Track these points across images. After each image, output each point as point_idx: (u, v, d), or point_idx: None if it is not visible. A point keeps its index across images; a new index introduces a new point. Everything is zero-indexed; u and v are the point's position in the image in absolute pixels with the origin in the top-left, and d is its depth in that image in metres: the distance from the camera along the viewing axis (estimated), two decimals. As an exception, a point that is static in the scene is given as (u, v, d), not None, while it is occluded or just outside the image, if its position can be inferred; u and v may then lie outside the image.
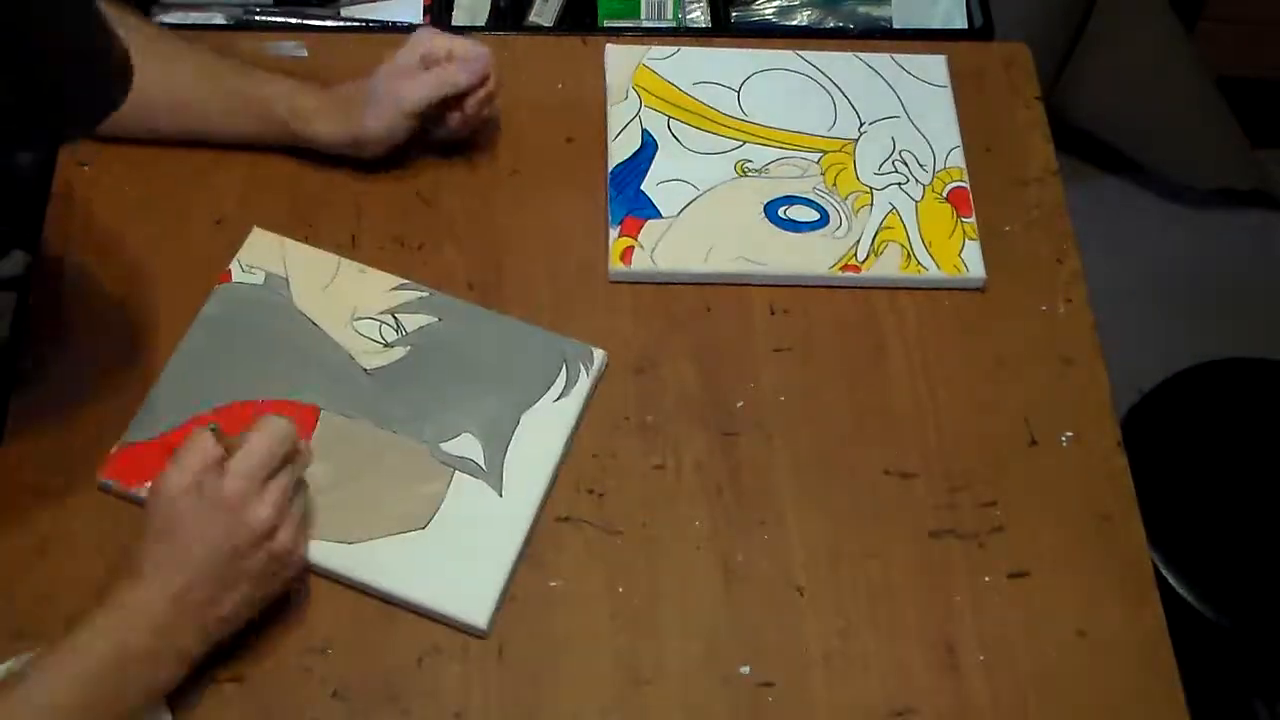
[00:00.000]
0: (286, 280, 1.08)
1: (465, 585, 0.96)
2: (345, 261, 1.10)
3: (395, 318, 1.07)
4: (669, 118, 1.20)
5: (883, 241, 1.14)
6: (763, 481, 1.04)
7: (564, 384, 1.05)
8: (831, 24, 1.38)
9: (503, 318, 1.08)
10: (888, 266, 1.13)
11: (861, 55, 1.25)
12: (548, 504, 1.01)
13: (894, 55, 1.25)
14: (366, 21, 1.29)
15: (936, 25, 1.36)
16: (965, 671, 0.97)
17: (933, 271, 1.13)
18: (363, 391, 1.04)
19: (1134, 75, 2.11)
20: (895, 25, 1.38)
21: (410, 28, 1.29)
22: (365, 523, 0.98)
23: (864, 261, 1.13)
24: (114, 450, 0.99)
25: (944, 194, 1.17)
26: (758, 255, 1.13)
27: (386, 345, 1.06)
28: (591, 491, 1.02)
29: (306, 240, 1.12)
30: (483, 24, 1.33)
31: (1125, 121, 2.18)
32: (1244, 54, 2.17)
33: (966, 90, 1.25)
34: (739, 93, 1.22)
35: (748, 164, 1.17)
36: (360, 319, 1.07)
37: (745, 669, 0.96)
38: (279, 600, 0.95)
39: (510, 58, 1.24)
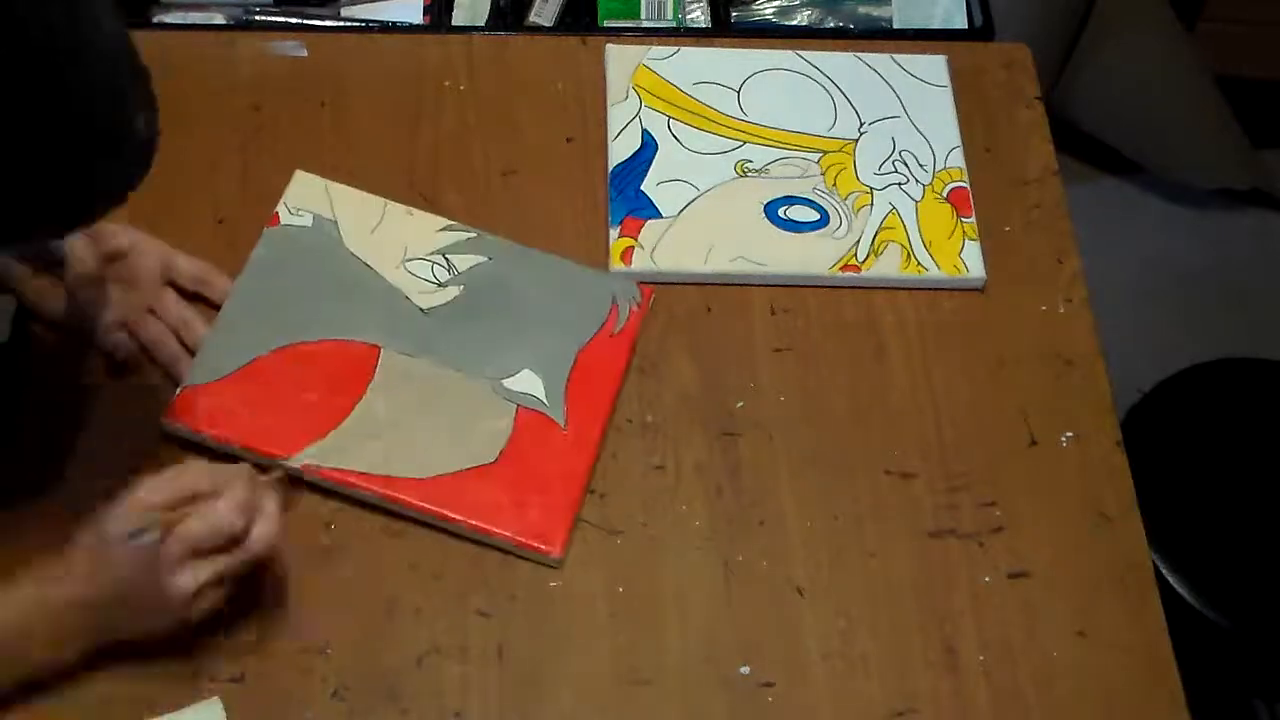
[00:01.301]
0: (335, 222, 1.09)
1: (538, 516, 0.98)
2: (391, 203, 1.11)
3: (446, 258, 1.08)
4: (669, 118, 1.20)
5: (883, 241, 1.14)
6: (763, 481, 1.04)
7: (617, 319, 1.06)
8: (831, 24, 1.38)
9: (550, 257, 1.10)
10: (888, 266, 1.13)
11: (862, 55, 1.25)
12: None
13: (894, 55, 1.25)
14: (366, 21, 1.29)
15: (936, 25, 1.36)
16: (965, 671, 0.97)
17: (933, 271, 1.12)
18: (420, 330, 1.05)
19: (1134, 75, 2.11)
20: (895, 25, 1.38)
21: (411, 28, 1.30)
22: (436, 457, 1.00)
23: (864, 261, 1.13)
24: (176, 395, 1.00)
25: (944, 194, 1.17)
26: (758, 255, 1.13)
27: (440, 285, 1.07)
28: (592, 491, 1.02)
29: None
30: (483, 24, 1.33)
31: (1125, 121, 2.18)
32: (1244, 54, 2.17)
33: (966, 90, 1.25)
34: (739, 93, 1.22)
35: (748, 164, 1.17)
36: (411, 259, 1.08)
37: (745, 669, 0.96)
38: (279, 600, 0.95)
39: (510, 58, 1.24)
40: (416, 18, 1.32)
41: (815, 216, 1.15)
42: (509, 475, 1.00)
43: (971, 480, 1.05)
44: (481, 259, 1.08)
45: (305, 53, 1.23)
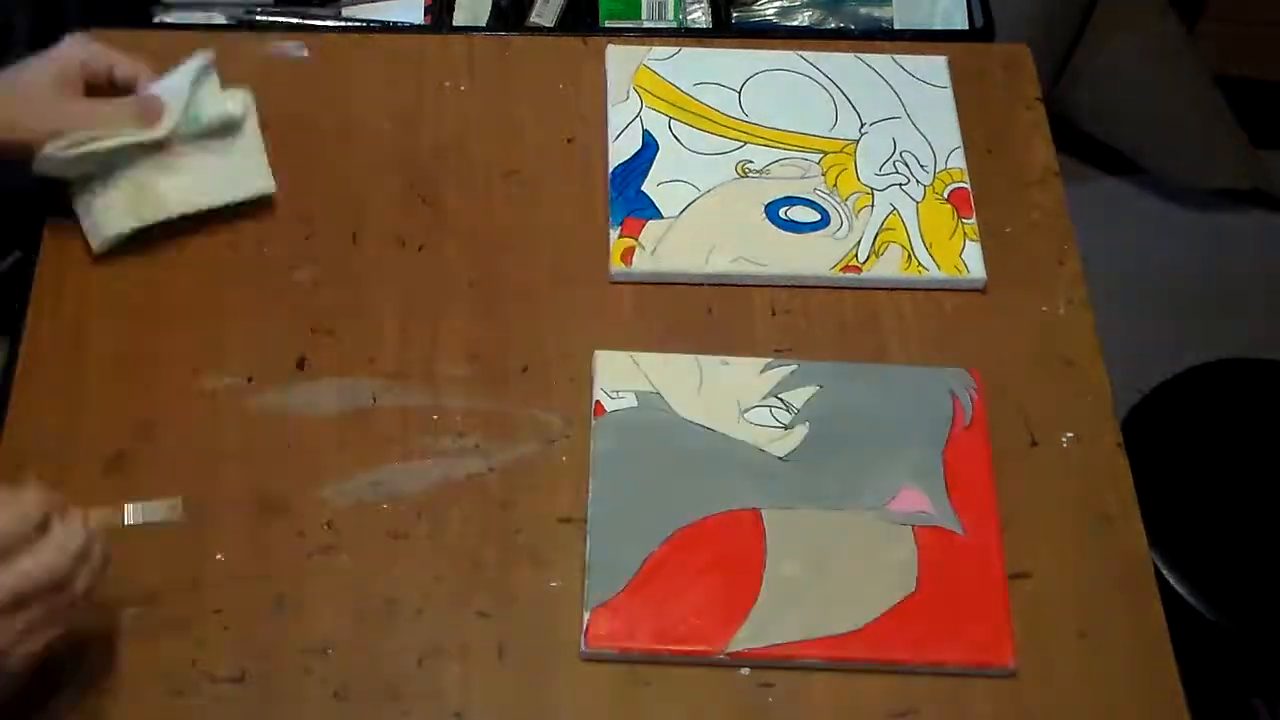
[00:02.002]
0: (659, 394, 1.05)
1: (981, 632, 0.97)
2: (703, 357, 1.07)
3: (780, 399, 1.05)
4: (670, 118, 1.20)
5: (883, 242, 1.14)
6: (763, 482, 1.04)
7: (963, 411, 1.05)
8: (832, 24, 1.38)
9: (874, 366, 1.08)
10: (888, 267, 1.13)
11: (863, 56, 1.25)
12: (549, 505, 1.02)
13: (895, 56, 1.25)
14: (367, 21, 1.29)
15: (937, 26, 1.36)
16: (965, 672, 0.97)
17: (933, 272, 1.12)
18: (787, 479, 1.02)
19: (1134, 76, 2.11)
20: (896, 26, 1.38)
21: (411, 28, 1.30)
22: (863, 603, 0.97)
23: (865, 262, 1.13)
24: (588, 618, 0.96)
25: (945, 195, 1.17)
26: (759, 256, 1.13)
27: (786, 428, 1.04)
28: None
29: (307, 240, 1.12)
30: (484, 24, 1.33)
31: (1125, 121, 2.18)
32: (1244, 54, 2.17)
33: (967, 91, 1.25)
34: (740, 93, 1.22)
35: (749, 165, 1.17)
36: (748, 409, 1.05)
37: (745, 669, 0.96)
38: (279, 601, 0.95)
39: (511, 58, 1.24)
40: (417, 18, 1.32)
41: (816, 217, 1.15)
42: (935, 598, 0.98)
43: (972, 480, 1.05)
44: (813, 389, 1.06)
45: (306, 53, 1.23)
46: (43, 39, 1.10)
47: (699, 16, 1.36)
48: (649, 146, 1.18)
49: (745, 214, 1.15)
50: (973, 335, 1.12)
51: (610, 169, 1.17)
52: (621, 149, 1.18)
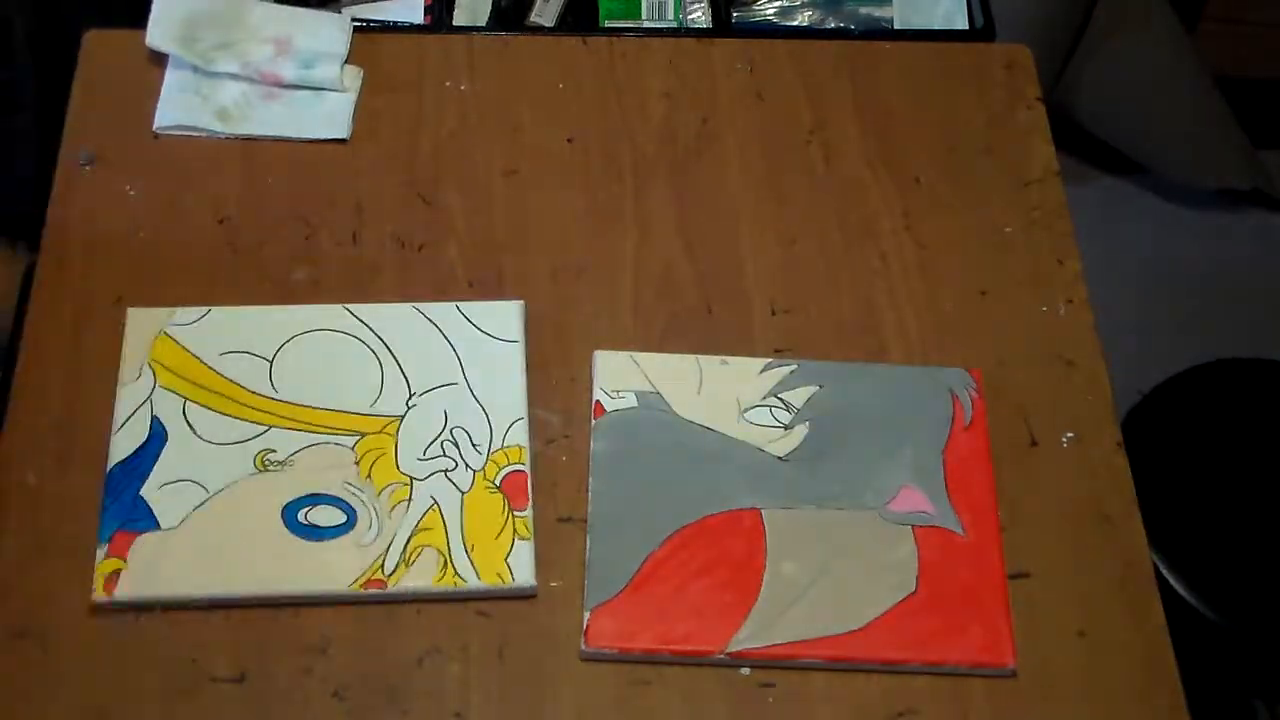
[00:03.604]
0: (659, 394, 1.04)
1: (981, 633, 0.97)
2: (703, 358, 1.07)
3: (780, 399, 1.05)
4: (185, 399, 1.02)
5: (416, 547, 0.98)
6: (763, 482, 1.04)
7: (963, 410, 1.05)
8: (832, 24, 1.38)
9: (874, 366, 1.08)
10: (419, 578, 0.97)
11: (422, 307, 1.08)
12: (549, 505, 1.01)
13: (460, 304, 1.08)
14: (367, 21, 1.29)
15: (937, 26, 1.36)
16: (965, 672, 0.97)
17: (472, 583, 0.97)
18: (787, 479, 1.02)
19: (1135, 76, 2.11)
20: (896, 26, 1.38)
21: (411, 28, 1.30)
22: (863, 603, 0.98)
23: (391, 574, 0.97)
24: (588, 618, 0.96)
25: (497, 481, 1.01)
26: (277, 571, 0.97)
27: (786, 428, 1.04)
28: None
29: (307, 240, 1.13)
30: (484, 24, 1.33)
31: (1126, 122, 2.18)
32: (1244, 54, 2.17)
33: (967, 90, 1.25)
34: (272, 363, 1.04)
35: (270, 456, 1.00)
36: (748, 409, 1.04)
37: (745, 669, 0.96)
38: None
39: (511, 58, 1.24)
40: (417, 18, 1.31)
41: (341, 519, 0.99)
42: (935, 597, 0.98)
43: (972, 480, 1.05)
44: (813, 388, 1.05)
45: (306, 53, 1.23)
46: (43, 39, 1.10)
47: (699, 16, 1.36)
48: (156, 437, 1.01)
49: (259, 518, 0.98)
50: (973, 335, 1.12)
51: (108, 468, 1.00)
52: (124, 442, 1.00)
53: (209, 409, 1.02)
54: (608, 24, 1.34)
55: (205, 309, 1.06)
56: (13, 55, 1.09)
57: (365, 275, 1.11)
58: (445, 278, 1.11)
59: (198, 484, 0.99)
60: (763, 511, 1.00)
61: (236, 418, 1.02)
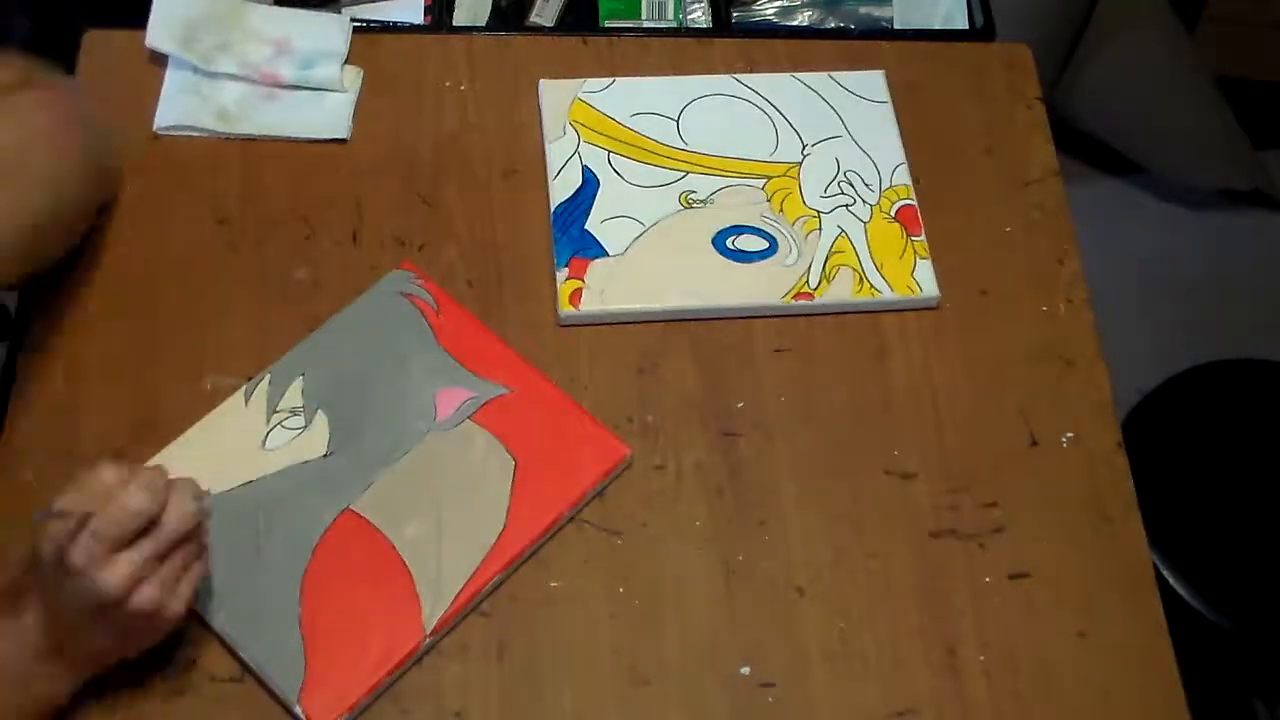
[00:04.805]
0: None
1: (585, 452, 1.02)
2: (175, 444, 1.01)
3: (280, 410, 1.02)
4: (608, 152, 1.17)
5: (834, 266, 1.11)
6: (763, 481, 1.04)
7: (425, 301, 1.08)
8: (832, 24, 1.38)
9: (328, 325, 1.06)
10: (841, 291, 1.10)
11: (799, 75, 1.22)
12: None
13: (832, 74, 1.23)
14: (367, 21, 1.29)
15: (937, 25, 1.36)
16: (965, 672, 0.97)
17: (886, 294, 1.11)
18: (345, 465, 1.01)
19: (1135, 76, 2.11)
20: (896, 25, 1.38)
21: (411, 28, 1.29)
22: (488, 510, 0.99)
23: (816, 288, 1.10)
24: (300, 711, 0.91)
25: (892, 213, 1.15)
26: (708, 288, 1.10)
27: (308, 426, 1.02)
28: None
29: (307, 240, 1.13)
30: (483, 24, 1.33)
31: (1125, 121, 2.18)
32: (1244, 54, 2.17)
33: (966, 90, 1.25)
34: (678, 122, 1.19)
35: (692, 195, 1.15)
36: (264, 440, 1.01)
37: (745, 669, 0.97)
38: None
39: (511, 58, 1.24)
40: (417, 18, 1.31)
41: (764, 245, 1.12)
42: (536, 454, 1.01)
43: (972, 481, 1.05)
44: (298, 380, 1.03)
45: (306, 53, 1.23)
46: (43, 39, 1.10)
47: (699, 16, 1.36)
48: (589, 183, 1.15)
49: (692, 246, 1.12)
50: (972, 335, 1.12)
51: (552, 208, 1.14)
52: (562, 187, 1.15)
53: (630, 159, 1.17)
54: (608, 24, 1.34)
55: (610, 79, 1.21)
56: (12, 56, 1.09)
57: (365, 275, 1.11)
58: (445, 277, 1.11)
59: (633, 219, 1.13)
60: (352, 507, 0.99)
61: (655, 165, 1.16)
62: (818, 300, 1.10)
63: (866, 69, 1.24)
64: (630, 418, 1.06)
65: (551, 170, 1.16)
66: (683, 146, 1.18)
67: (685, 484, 1.03)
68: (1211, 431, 1.51)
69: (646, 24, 1.34)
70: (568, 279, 1.10)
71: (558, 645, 0.97)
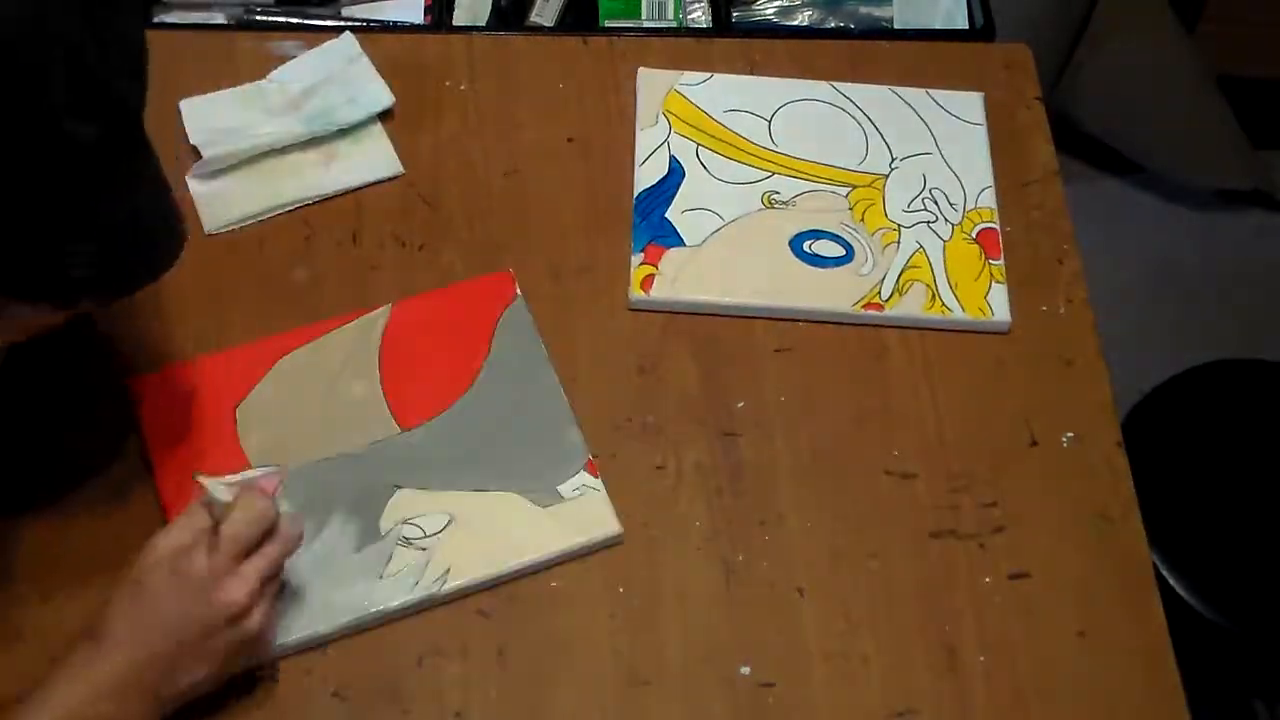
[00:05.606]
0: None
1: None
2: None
3: (404, 536, 0.99)
4: (698, 145, 1.18)
5: (908, 280, 1.12)
6: (763, 481, 1.04)
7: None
8: (832, 24, 1.38)
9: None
10: (911, 306, 1.11)
11: (897, 90, 1.23)
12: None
13: (930, 90, 1.23)
14: (367, 21, 1.29)
15: (937, 25, 1.36)
16: (965, 672, 0.97)
17: (957, 314, 1.11)
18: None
19: (1134, 76, 2.11)
20: (896, 25, 1.38)
21: (411, 28, 1.30)
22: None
23: (888, 300, 1.11)
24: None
25: (973, 234, 1.15)
26: (780, 289, 1.11)
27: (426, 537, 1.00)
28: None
29: (307, 241, 1.13)
30: (483, 24, 1.33)
31: (1125, 121, 2.18)
32: (1244, 54, 2.17)
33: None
34: (770, 122, 1.20)
35: (774, 195, 1.16)
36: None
37: (745, 669, 0.97)
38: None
39: (511, 58, 1.24)
40: (417, 18, 1.32)
41: (841, 252, 1.13)
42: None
43: (972, 481, 1.05)
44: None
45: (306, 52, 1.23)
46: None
47: (699, 16, 1.36)
48: (675, 173, 1.17)
49: (769, 246, 1.13)
50: (972, 335, 1.12)
51: (635, 194, 1.16)
52: (648, 174, 1.17)
53: (718, 154, 1.18)
54: (608, 24, 1.34)
55: (708, 74, 1.23)
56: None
57: (365, 275, 1.11)
58: (445, 277, 1.11)
59: (714, 212, 1.14)
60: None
61: (742, 163, 1.18)
62: (888, 312, 1.10)
63: (869, 75, 1.24)
64: (630, 418, 1.06)
65: (639, 156, 1.18)
66: (772, 147, 1.19)
67: (685, 484, 1.03)
68: (1211, 431, 1.51)
69: (646, 24, 1.34)
70: (642, 263, 1.11)
71: (558, 645, 0.97)
